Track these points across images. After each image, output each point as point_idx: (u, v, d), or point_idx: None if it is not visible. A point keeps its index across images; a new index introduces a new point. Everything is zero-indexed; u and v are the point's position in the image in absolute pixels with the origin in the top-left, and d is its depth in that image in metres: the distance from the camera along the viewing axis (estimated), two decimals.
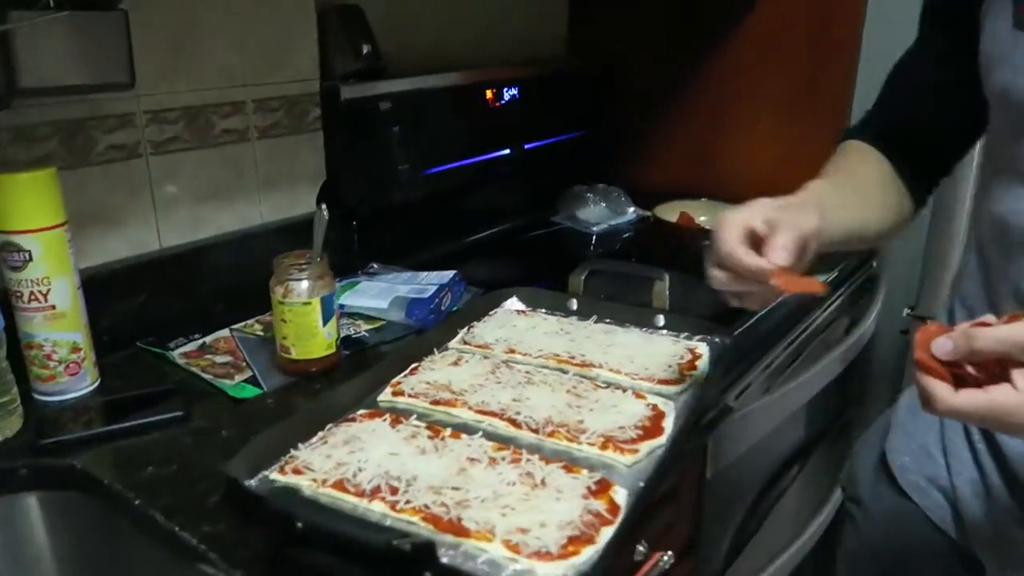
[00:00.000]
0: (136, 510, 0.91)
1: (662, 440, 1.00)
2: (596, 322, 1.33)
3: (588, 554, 0.80)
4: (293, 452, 0.97)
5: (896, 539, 1.05)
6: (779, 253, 0.84)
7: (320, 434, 1.01)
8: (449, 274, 1.47)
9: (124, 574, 1.03)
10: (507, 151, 1.95)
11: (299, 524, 0.77)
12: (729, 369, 1.24)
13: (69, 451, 1.02)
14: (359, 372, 1.22)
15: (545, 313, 1.38)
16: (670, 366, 1.18)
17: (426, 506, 0.86)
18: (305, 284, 1.17)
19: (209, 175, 1.41)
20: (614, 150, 2.31)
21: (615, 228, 2.01)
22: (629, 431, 1.00)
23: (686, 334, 1.28)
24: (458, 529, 0.83)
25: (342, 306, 1.39)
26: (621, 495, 0.89)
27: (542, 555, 0.79)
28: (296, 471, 0.93)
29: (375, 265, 1.62)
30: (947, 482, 0.98)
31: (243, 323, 1.39)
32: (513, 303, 1.43)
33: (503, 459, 0.94)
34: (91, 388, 1.17)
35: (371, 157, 1.63)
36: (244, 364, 1.25)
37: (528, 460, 0.94)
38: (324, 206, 1.21)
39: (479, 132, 1.89)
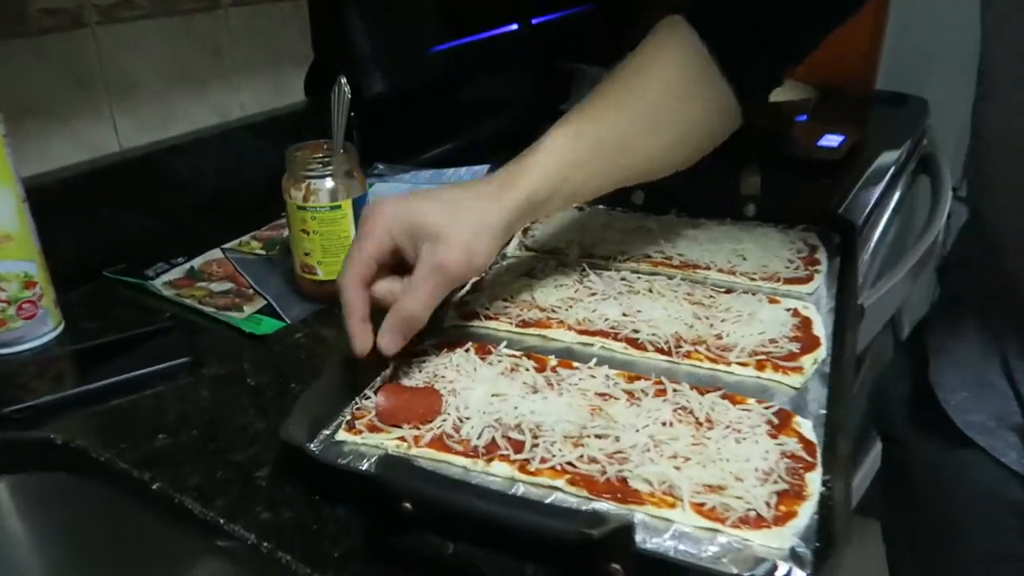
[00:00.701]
0: (156, 496, 0.66)
1: (822, 353, 0.79)
2: (677, 216, 1.10)
3: (807, 513, 0.59)
4: (360, 403, 0.72)
5: (955, 488, 0.89)
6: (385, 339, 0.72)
7: (385, 373, 0.77)
8: (483, 169, 1.21)
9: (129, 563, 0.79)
10: (514, 27, 1.66)
11: (421, 508, 0.54)
12: (844, 264, 1.03)
13: (42, 420, 0.75)
14: None
15: (607, 209, 1.14)
16: (791, 261, 0.96)
17: (570, 464, 0.63)
18: (331, 183, 0.90)
19: (175, 53, 1.10)
20: (634, 23, 2.03)
21: None
22: (783, 344, 0.79)
23: (783, 225, 1.06)
24: (625, 493, 0.61)
25: None
26: (807, 428, 0.68)
27: (752, 521, 0.58)
28: (373, 428, 0.69)
29: (380, 166, 1.35)
30: (1020, 417, 0.80)
31: (236, 241, 1.11)
32: None
33: (643, 392, 0.72)
34: (55, 334, 0.89)
35: (366, 33, 1.32)
36: (251, 291, 0.98)
37: (676, 391, 0.72)
38: (344, 80, 0.92)
39: (483, 5, 1.58)
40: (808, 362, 0.77)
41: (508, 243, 1.06)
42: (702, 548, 0.57)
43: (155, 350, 0.84)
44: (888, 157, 1.47)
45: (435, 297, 0.71)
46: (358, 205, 0.91)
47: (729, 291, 0.90)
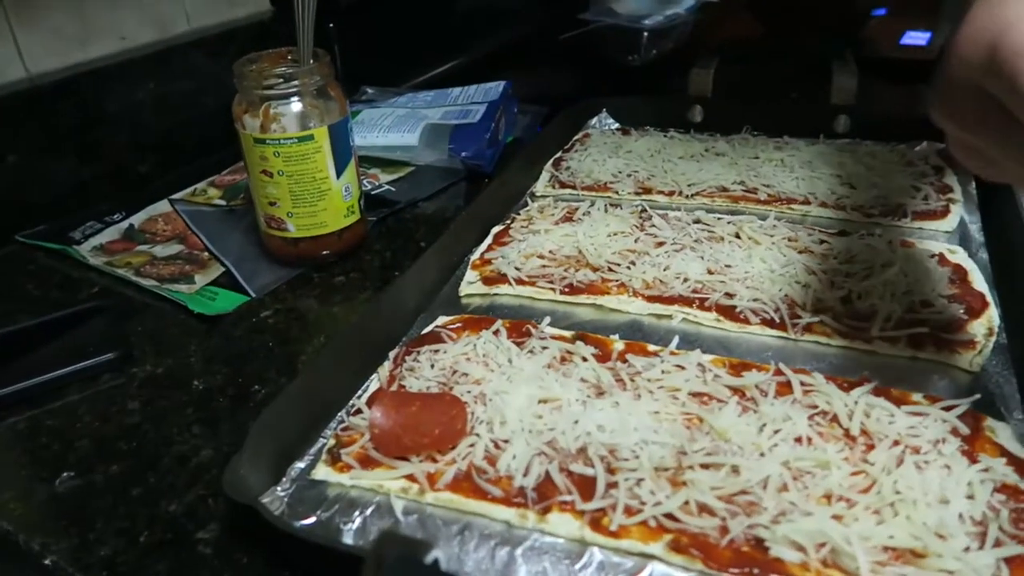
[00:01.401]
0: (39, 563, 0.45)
1: (995, 317, 0.56)
2: (752, 134, 0.85)
3: None
4: (346, 418, 0.50)
5: None
6: None
7: (384, 369, 0.54)
8: (498, 87, 0.96)
9: None
10: None
11: None
12: (991, 187, 0.79)
13: None
14: (398, 252, 0.74)
15: (659, 132, 0.89)
16: (917, 189, 0.72)
17: (670, 517, 0.41)
18: (297, 105, 0.66)
19: None
20: None
21: (673, 20, 1.48)
22: (940, 307, 0.56)
23: (891, 143, 0.82)
24: (764, 567, 0.39)
25: None
26: (1008, 437, 0.46)
27: None
28: (367, 460, 0.46)
29: (369, 89, 1.10)
30: None
31: (188, 190, 0.87)
32: (605, 121, 0.94)
33: (760, 389, 0.49)
34: None
35: None
36: (207, 255, 0.75)
37: (806, 387, 0.49)
38: None
39: None
40: (981, 331, 0.54)
41: (535, 181, 0.82)
42: None
43: (71, 343, 0.62)
44: None
45: None
46: (337, 136, 0.67)
47: (842, 233, 0.66)
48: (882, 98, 1.04)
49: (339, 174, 0.69)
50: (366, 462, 0.46)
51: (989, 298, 0.58)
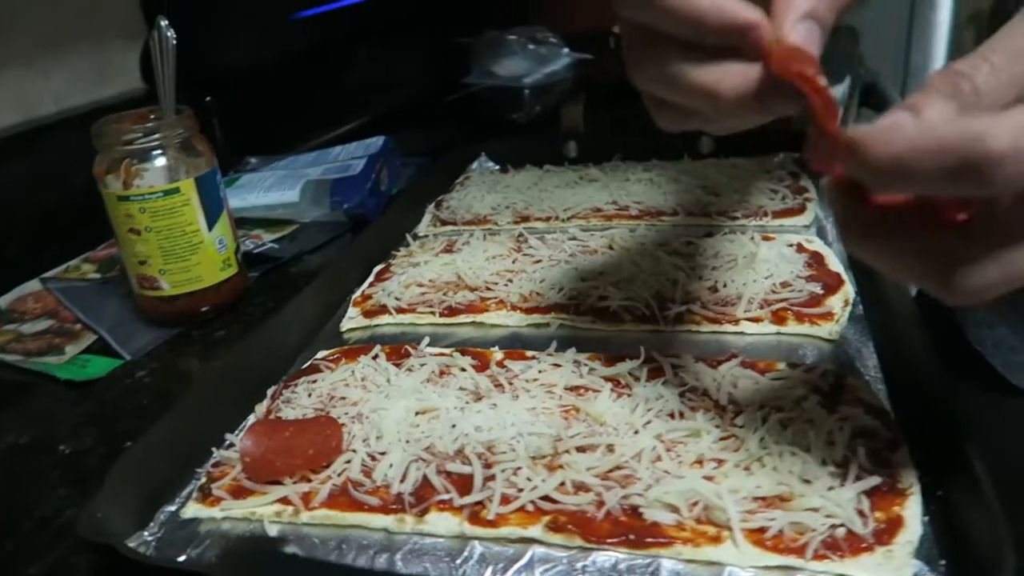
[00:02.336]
0: None
1: (850, 291, 0.59)
2: (623, 160, 0.89)
3: (915, 516, 0.38)
4: (220, 453, 0.48)
5: (1003, 450, 0.66)
6: (797, 27, 0.34)
7: (261, 408, 0.53)
8: (378, 141, 0.98)
9: None
10: None
11: None
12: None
13: None
14: (283, 303, 0.73)
15: (534, 169, 0.92)
16: (775, 191, 0.77)
17: (548, 500, 0.41)
18: (163, 159, 0.65)
19: None
20: None
21: (552, 78, 1.55)
22: (800, 286, 0.59)
23: (749, 158, 0.87)
24: (641, 531, 0.39)
25: None
26: (865, 390, 0.48)
27: (844, 544, 0.37)
28: (239, 491, 0.45)
29: (252, 159, 1.10)
30: None
31: (62, 267, 0.85)
32: (485, 164, 0.96)
33: (633, 375, 0.50)
34: None
35: None
36: (79, 326, 0.72)
37: (677, 368, 0.50)
38: (165, 23, 0.67)
39: None
40: (838, 304, 0.57)
41: (418, 224, 0.83)
42: None
43: None
44: (835, 89, 1.31)
45: None
46: (205, 187, 0.67)
47: (709, 235, 0.69)
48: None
49: (211, 226, 0.68)
50: (238, 492, 0.44)
51: (844, 277, 0.61)
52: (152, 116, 0.68)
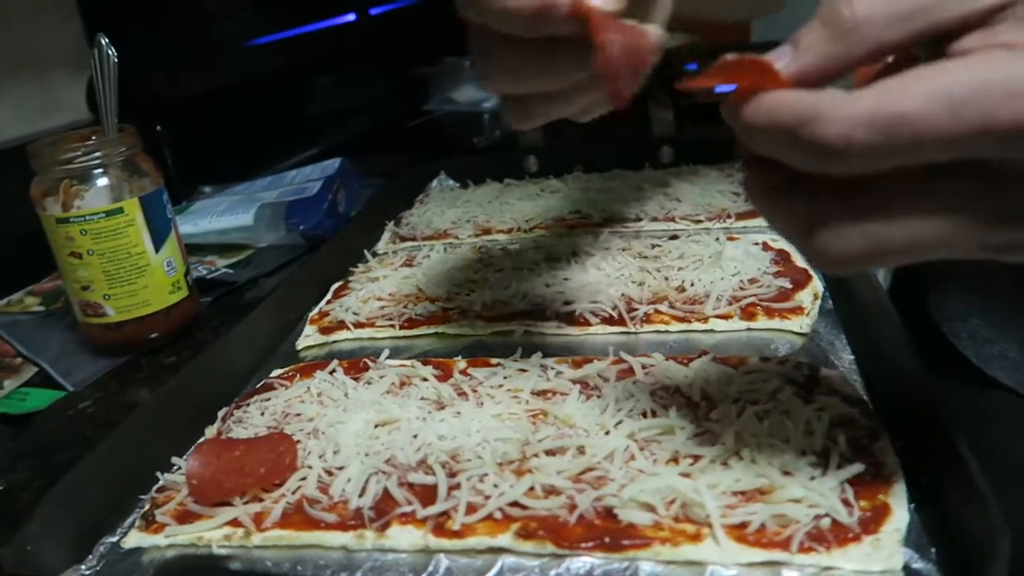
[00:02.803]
0: None
1: (819, 285, 0.58)
2: (584, 172, 0.88)
3: (901, 503, 0.37)
4: (164, 476, 0.45)
5: (977, 443, 0.66)
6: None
7: (211, 430, 0.49)
8: (335, 163, 0.96)
9: None
10: (351, 17, 1.43)
11: None
12: None
13: None
14: (236, 326, 0.70)
15: (497, 183, 0.91)
16: (737, 195, 0.76)
17: (517, 506, 0.38)
18: (104, 179, 0.62)
19: None
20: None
21: None
22: (768, 282, 0.58)
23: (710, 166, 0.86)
24: (615, 534, 0.36)
25: None
26: (839, 381, 0.46)
27: (830, 535, 0.35)
28: (185, 516, 0.41)
29: (206, 188, 1.07)
30: None
31: (3, 301, 0.81)
32: (445, 182, 0.95)
33: (601, 377, 0.48)
34: None
35: (158, 20, 1.05)
36: (19, 360, 0.68)
37: (647, 368, 0.48)
38: (105, 40, 0.65)
39: None
40: (807, 298, 0.56)
41: (377, 242, 0.81)
42: None
43: None
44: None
45: None
46: (151, 207, 0.64)
47: (674, 238, 0.68)
48: (706, 135, 1.11)
49: (158, 248, 0.65)
50: (184, 517, 0.41)
51: (812, 272, 0.60)
52: (93, 137, 0.66)
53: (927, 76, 0.26)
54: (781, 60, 0.30)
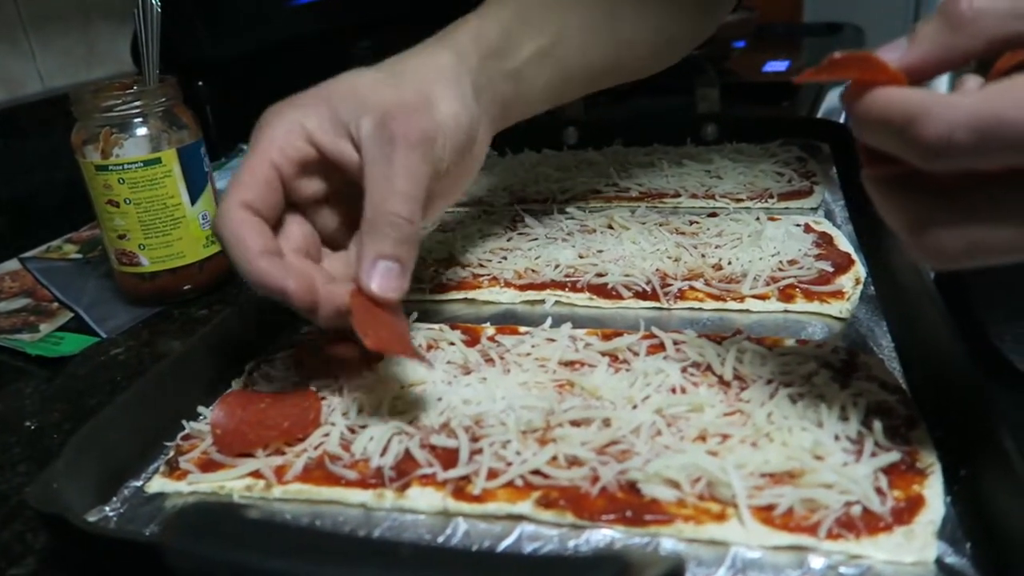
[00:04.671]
0: None
1: (861, 270, 0.56)
2: (624, 147, 0.86)
3: (937, 495, 0.35)
4: (190, 425, 0.45)
5: None
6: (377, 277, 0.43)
7: (238, 383, 0.50)
8: None
9: None
10: None
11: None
12: (850, 169, 0.81)
13: None
14: None
15: (534, 152, 0.89)
16: (781, 174, 0.74)
17: (539, 474, 0.38)
18: (143, 128, 0.63)
19: None
20: None
21: None
22: (808, 264, 0.56)
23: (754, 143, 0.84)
24: (638, 507, 0.36)
25: None
26: (878, 367, 0.45)
27: (860, 523, 0.34)
28: (208, 464, 0.42)
29: (245, 146, 1.06)
30: None
31: (43, 247, 0.82)
32: None
33: (631, 351, 0.47)
34: None
35: None
36: (56, 305, 0.69)
37: (679, 344, 0.47)
38: None
39: None
40: (849, 283, 0.54)
41: None
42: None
43: None
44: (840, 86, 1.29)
45: (416, 184, 0.44)
46: (189, 159, 0.64)
47: (713, 215, 0.66)
48: (752, 115, 1.08)
49: (194, 200, 0.65)
50: (207, 466, 0.41)
51: (855, 257, 0.58)
52: (134, 86, 0.66)
53: None
54: (895, 52, 0.32)
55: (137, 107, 0.62)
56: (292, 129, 0.45)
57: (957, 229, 0.29)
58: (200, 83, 1.05)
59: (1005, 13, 0.30)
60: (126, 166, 0.62)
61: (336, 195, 0.48)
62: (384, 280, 0.42)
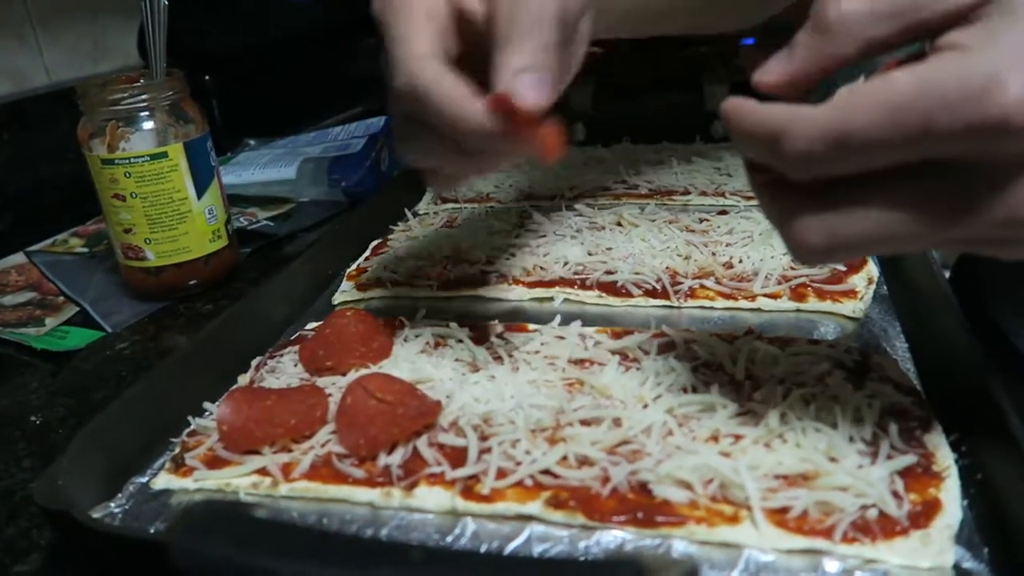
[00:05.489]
0: None
1: (874, 269, 0.56)
2: (633, 143, 0.86)
3: (954, 499, 0.35)
4: (196, 421, 0.44)
5: None
6: (525, 82, 0.36)
7: (244, 379, 0.49)
8: (379, 121, 0.95)
9: None
10: None
11: None
12: None
13: None
14: (274, 278, 0.70)
15: None
16: None
17: (548, 474, 0.37)
18: (150, 122, 0.62)
19: None
20: None
21: None
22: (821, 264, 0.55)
23: None
24: (649, 509, 0.35)
25: None
26: (892, 369, 0.44)
27: (876, 527, 0.33)
28: (215, 461, 0.41)
29: (251, 141, 1.07)
30: None
31: (48, 241, 0.82)
32: None
33: (642, 349, 0.47)
34: None
35: None
36: (61, 299, 0.69)
37: (689, 343, 0.47)
38: None
39: None
40: (861, 282, 0.54)
41: (417, 203, 0.80)
42: None
43: None
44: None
45: None
46: (195, 154, 0.64)
47: (723, 213, 0.66)
48: None
49: (200, 195, 0.65)
50: (213, 463, 0.41)
51: (868, 257, 0.57)
52: (141, 79, 0.65)
53: (872, 88, 0.28)
54: (779, 63, 0.33)
55: (144, 101, 0.62)
56: None
57: (816, 219, 0.30)
58: (207, 77, 1.05)
59: (867, 16, 0.30)
60: (132, 160, 0.61)
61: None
62: (531, 90, 0.35)
